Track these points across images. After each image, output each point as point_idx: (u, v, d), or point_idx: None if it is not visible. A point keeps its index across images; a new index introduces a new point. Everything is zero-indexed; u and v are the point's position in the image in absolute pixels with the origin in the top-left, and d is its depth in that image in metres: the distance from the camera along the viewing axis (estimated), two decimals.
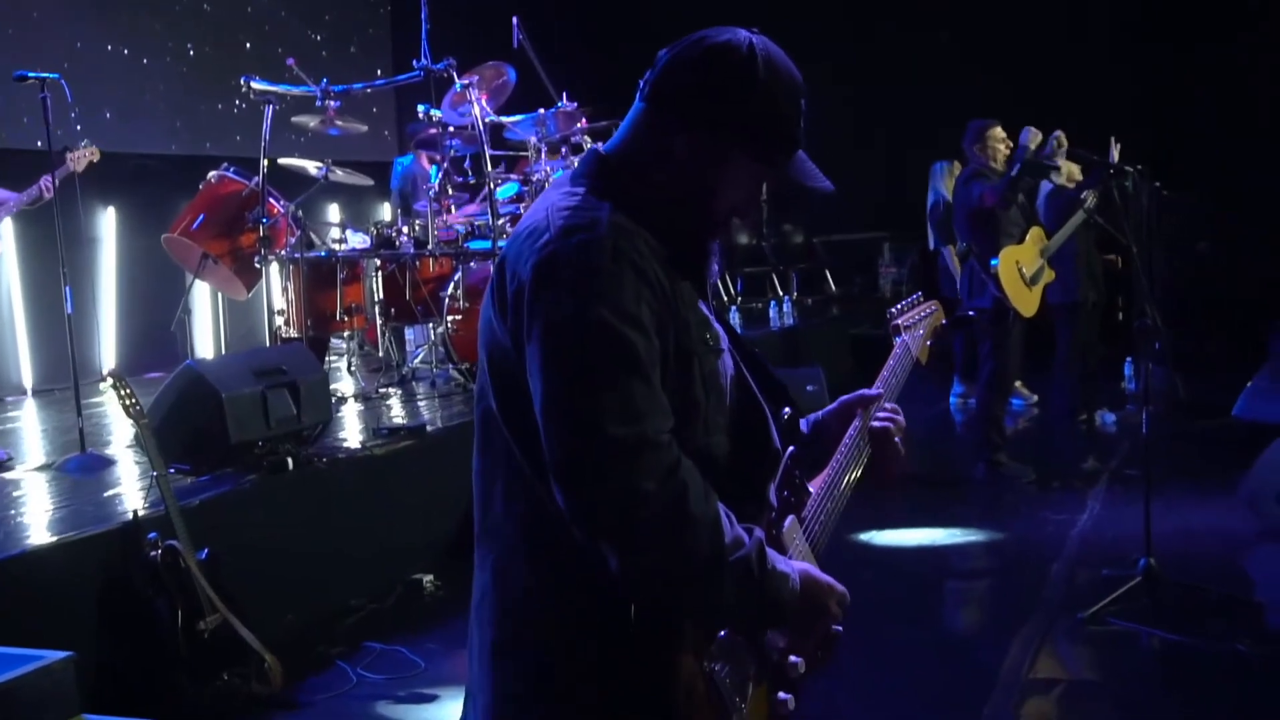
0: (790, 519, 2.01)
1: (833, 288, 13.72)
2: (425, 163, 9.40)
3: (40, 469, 5.96)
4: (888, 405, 2.29)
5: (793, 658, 1.92)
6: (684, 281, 1.90)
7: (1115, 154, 7.81)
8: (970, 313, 7.24)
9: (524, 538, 1.90)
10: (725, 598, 1.77)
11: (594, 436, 1.70)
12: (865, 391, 2.29)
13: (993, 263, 7.31)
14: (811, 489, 2.10)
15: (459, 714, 2.05)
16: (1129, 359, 9.80)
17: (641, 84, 1.97)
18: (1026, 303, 7.40)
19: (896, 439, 2.24)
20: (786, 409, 2.11)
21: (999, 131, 7.70)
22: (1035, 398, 9.62)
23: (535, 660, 1.89)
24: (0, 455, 6.12)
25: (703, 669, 1.82)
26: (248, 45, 10.54)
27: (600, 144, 2.03)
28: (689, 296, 1.90)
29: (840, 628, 1.96)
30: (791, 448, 2.06)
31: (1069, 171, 8.30)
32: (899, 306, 2.57)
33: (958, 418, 9.69)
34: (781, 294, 12.57)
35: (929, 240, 10.19)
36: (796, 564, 1.91)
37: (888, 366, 2.42)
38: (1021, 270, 7.40)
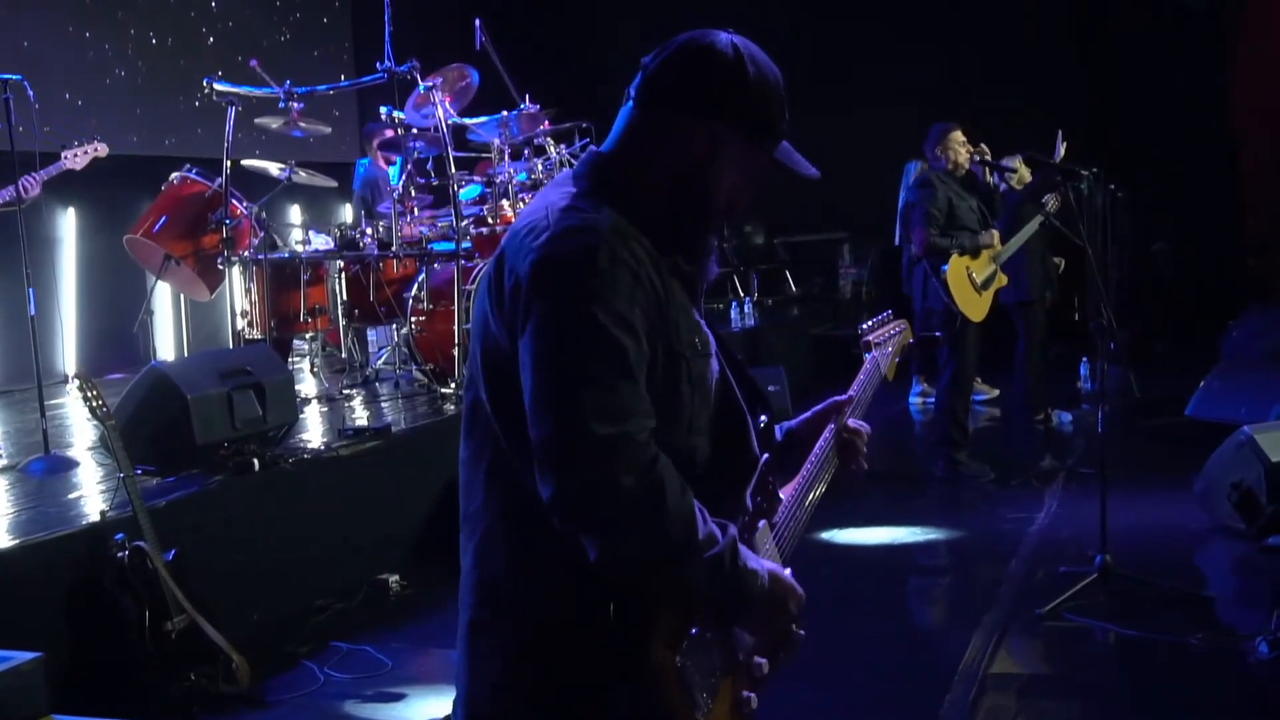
0: (762, 524, 2.09)
1: (793, 288, 13.79)
2: (382, 163, 9.42)
3: (3, 471, 5.94)
4: (854, 421, 2.37)
5: (758, 658, 1.99)
6: (677, 285, 1.97)
7: (1061, 150, 8.02)
8: (937, 334, 7.37)
9: (504, 522, 1.96)
10: (696, 588, 1.85)
11: (579, 433, 1.77)
12: (836, 398, 2.38)
13: (943, 269, 7.43)
14: (783, 496, 2.17)
15: (426, 713, 2.10)
16: (1085, 359, 9.93)
17: (631, 89, 2.04)
18: (975, 308, 7.50)
19: (861, 453, 2.35)
20: (764, 416, 2.18)
21: (959, 135, 7.76)
22: (996, 392, 9.70)
23: (509, 640, 1.95)
24: None
25: (673, 662, 1.88)
26: (211, 40, 10.50)
27: (595, 145, 2.08)
28: (681, 300, 1.97)
29: (802, 631, 2.03)
30: (766, 454, 2.13)
31: (1020, 175, 8.45)
32: (870, 323, 2.65)
33: (917, 417, 9.78)
34: (742, 294, 12.63)
35: (895, 238, 10.26)
36: (765, 563, 1.98)
37: (858, 381, 2.49)
38: (972, 276, 7.52)
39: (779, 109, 2.04)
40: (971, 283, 7.50)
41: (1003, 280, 7.72)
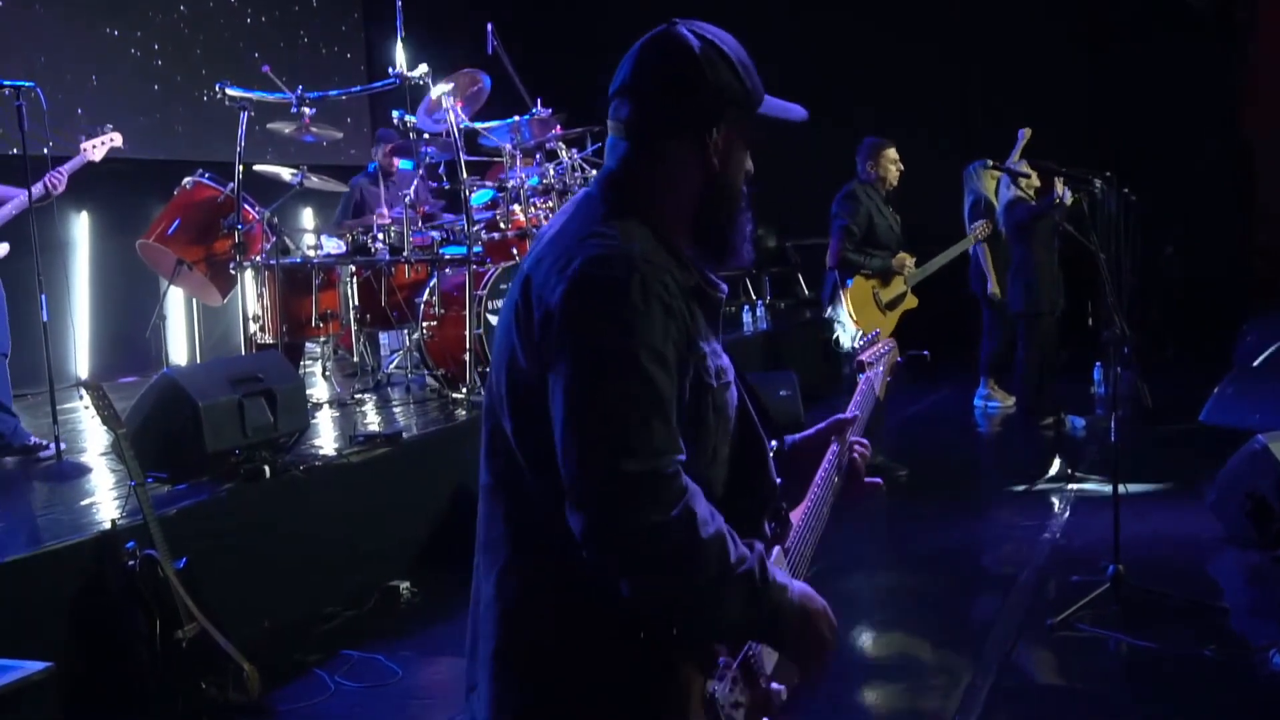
0: (776, 550, 2.08)
1: (805, 291, 13.77)
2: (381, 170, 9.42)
3: (40, 462, 5.95)
4: (856, 438, 2.39)
5: (775, 685, 1.98)
6: (700, 312, 1.94)
7: (1022, 139, 8.29)
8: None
9: (529, 553, 1.94)
10: (731, 611, 1.84)
11: (612, 469, 1.74)
12: (840, 416, 2.38)
13: (848, 282, 7.65)
14: (793, 520, 2.16)
15: None
16: (1098, 364, 9.89)
17: (613, 121, 2.01)
18: (874, 326, 7.56)
19: (863, 470, 2.38)
20: (773, 441, 2.17)
21: (893, 152, 7.94)
22: (1012, 399, 9.67)
23: (534, 672, 1.93)
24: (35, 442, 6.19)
25: (702, 689, 1.87)
26: (225, 38, 10.52)
27: (606, 168, 2.05)
28: (704, 328, 1.95)
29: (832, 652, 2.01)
30: (780, 480, 2.12)
31: (1032, 180, 8.46)
32: (862, 344, 2.71)
33: (979, 418, 9.77)
34: (755, 298, 12.62)
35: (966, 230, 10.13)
36: (795, 582, 1.96)
37: (854, 401, 2.52)
38: (877, 295, 7.74)
39: (754, 71, 2.01)
40: (876, 302, 7.73)
41: (913, 302, 7.88)
